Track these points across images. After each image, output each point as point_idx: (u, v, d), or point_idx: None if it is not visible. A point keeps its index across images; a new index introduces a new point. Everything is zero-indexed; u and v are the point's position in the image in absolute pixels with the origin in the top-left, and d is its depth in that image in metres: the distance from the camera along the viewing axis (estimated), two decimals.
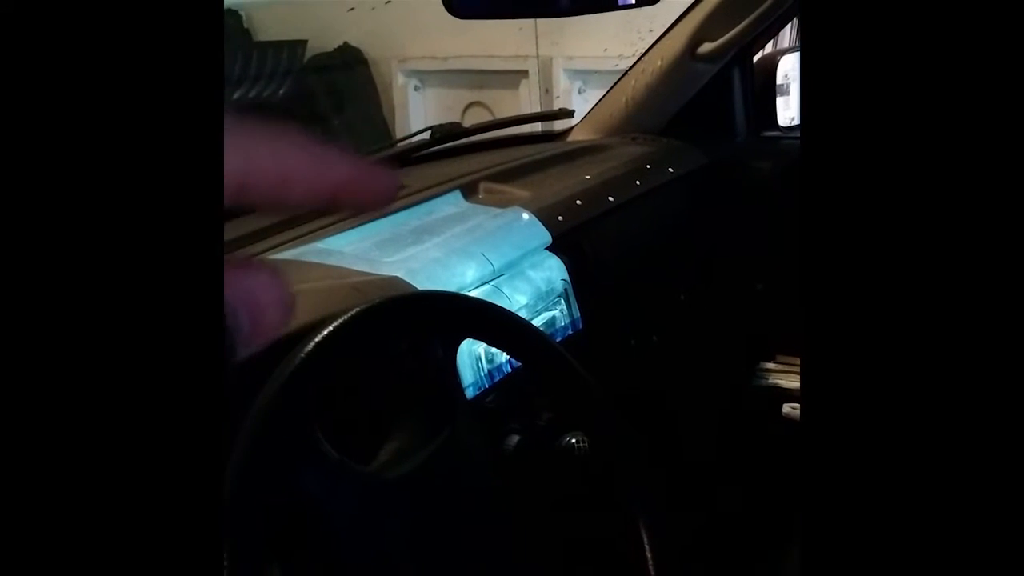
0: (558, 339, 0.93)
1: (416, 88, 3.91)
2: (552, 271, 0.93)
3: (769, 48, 1.41)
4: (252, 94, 3.62)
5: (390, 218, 0.92)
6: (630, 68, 1.33)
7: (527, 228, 0.94)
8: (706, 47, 1.21)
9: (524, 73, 3.85)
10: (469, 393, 0.79)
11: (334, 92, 3.78)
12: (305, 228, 0.87)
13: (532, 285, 0.90)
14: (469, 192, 1.03)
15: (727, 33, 1.19)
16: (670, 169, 1.20)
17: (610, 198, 1.07)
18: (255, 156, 0.19)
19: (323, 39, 3.87)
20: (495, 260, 0.86)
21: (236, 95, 3.51)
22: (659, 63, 1.27)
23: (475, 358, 0.80)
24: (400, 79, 3.87)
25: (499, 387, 0.82)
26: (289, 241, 0.85)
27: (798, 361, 1.31)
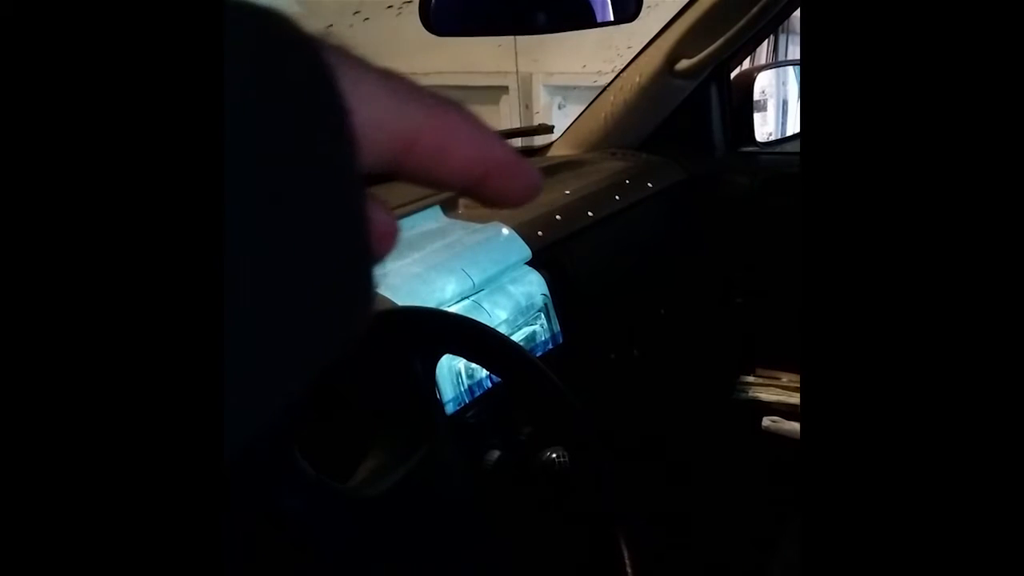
0: (538, 354, 0.93)
1: None
2: (532, 286, 0.93)
3: (746, 64, 1.43)
4: None
5: None
6: (609, 84, 1.34)
7: (507, 243, 0.94)
8: (684, 64, 1.23)
9: (504, 89, 3.87)
10: (449, 409, 0.78)
11: None
12: None
13: (512, 300, 0.90)
14: (449, 207, 1.03)
15: (704, 50, 1.21)
16: (649, 184, 1.21)
17: (590, 213, 1.07)
18: (427, 119, 0.18)
19: None
20: (475, 275, 0.86)
21: None
22: (637, 79, 1.28)
23: (455, 373, 0.80)
24: None
25: (479, 402, 0.81)
26: None
27: (778, 374, 1.32)
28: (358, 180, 0.17)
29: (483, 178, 0.20)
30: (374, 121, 0.17)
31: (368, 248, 0.17)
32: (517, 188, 0.21)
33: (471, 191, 0.20)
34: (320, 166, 0.16)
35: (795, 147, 1.36)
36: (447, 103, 0.19)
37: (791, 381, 1.30)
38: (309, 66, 0.16)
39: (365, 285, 0.18)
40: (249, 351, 0.15)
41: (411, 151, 0.18)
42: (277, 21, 0.16)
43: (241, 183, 0.14)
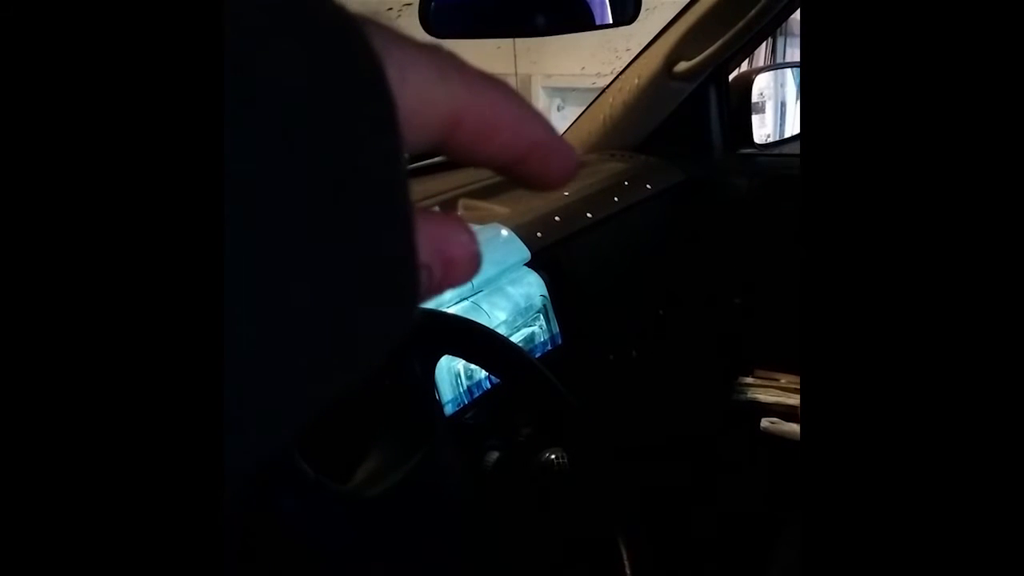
0: (537, 355, 0.93)
1: None
2: (531, 287, 0.93)
3: (744, 66, 1.43)
4: None
5: None
6: (608, 86, 1.34)
7: (506, 244, 0.94)
8: (682, 66, 1.23)
9: None
10: (448, 410, 0.78)
11: None
12: None
13: (511, 301, 0.90)
14: (448, 209, 1.03)
15: (703, 52, 1.21)
16: (647, 185, 1.21)
17: (588, 214, 1.07)
18: (473, 95, 0.18)
19: None
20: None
21: None
22: (636, 81, 1.29)
23: (454, 374, 0.80)
24: None
25: (478, 404, 0.82)
26: None
27: (776, 375, 1.32)
28: (403, 167, 0.16)
29: (525, 157, 0.19)
30: (421, 97, 0.17)
31: (412, 246, 0.17)
32: (558, 169, 0.20)
33: (512, 171, 0.20)
34: (364, 152, 0.15)
35: (793, 149, 1.36)
36: (492, 80, 0.19)
37: (790, 382, 1.30)
38: (353, 45, 0.15)
39: (408, 286, 0.17)
40: (277, 353, 0.14)
41: (457, 128, 0.18)
42: (321, 2, 0.15)
43: (286, 172, 0.14)
